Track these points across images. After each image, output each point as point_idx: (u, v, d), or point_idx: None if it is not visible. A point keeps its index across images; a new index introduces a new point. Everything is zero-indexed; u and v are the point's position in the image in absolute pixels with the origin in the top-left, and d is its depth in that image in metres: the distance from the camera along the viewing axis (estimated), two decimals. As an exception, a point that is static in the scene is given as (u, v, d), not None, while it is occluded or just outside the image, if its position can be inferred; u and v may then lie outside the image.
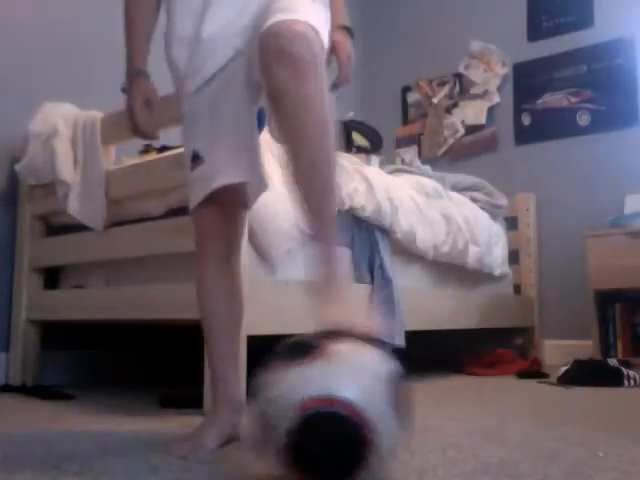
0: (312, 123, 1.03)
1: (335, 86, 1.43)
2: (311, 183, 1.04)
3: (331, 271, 1.02)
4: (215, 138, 1.24)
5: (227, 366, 1.31)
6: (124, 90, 1.34)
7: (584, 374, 2.28)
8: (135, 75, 1.33)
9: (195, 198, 1.26)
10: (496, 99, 3.78)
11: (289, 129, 1.06)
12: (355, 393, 0.82)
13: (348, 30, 1.42)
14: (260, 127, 1.34)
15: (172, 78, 1.33)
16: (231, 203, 1.30)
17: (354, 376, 0.85)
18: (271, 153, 1.92)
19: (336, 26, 1.41)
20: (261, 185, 1.33)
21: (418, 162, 3.36)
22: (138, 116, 1.31)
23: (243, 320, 1.67)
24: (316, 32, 1.09)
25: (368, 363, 0.88)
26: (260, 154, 1.32)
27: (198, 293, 1.31)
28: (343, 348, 0.87)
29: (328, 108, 1.06)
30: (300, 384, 0.83)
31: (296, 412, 0.81)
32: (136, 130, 1.34)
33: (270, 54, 1.06)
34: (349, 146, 2.79)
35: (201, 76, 1.25)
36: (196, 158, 1.25)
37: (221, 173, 1.22)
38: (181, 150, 1.95)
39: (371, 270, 2.22)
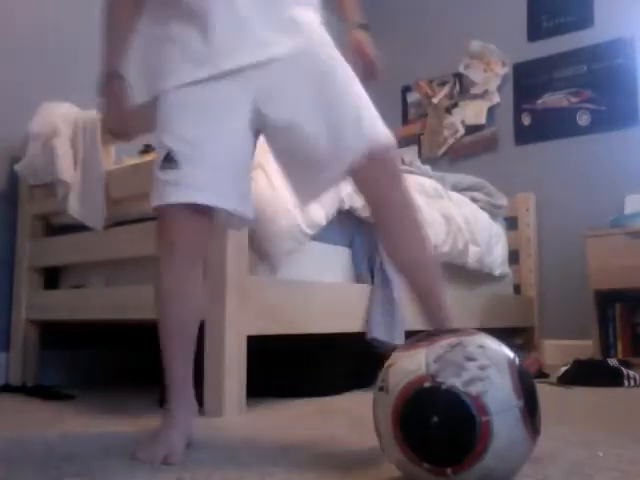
0: (417, 225, 1.27)
1: (366, 81, 1.43)
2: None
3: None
4: (205, 151, 1.18)
5: (187, 369, 1.25)
6: (101, 92, 1.32)
7: (584, 374, 2.28)
8: (112, 76, 1.31)
9: (164, 199, 1.19)
10: (496, 99, 3.79)
11: (397, 232, 1.26)
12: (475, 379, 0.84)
13: (365, 27, 1.42)
14: None
15: (145, 62, 1.29)
16: (206, 212, 1.23)
17: (475, 360, 0.86)
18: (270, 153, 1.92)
19: (354, 25, 1.40)
20: (245, 219, 1.28)
21: (418, 162, 3.36)
22: (111, 116, 1.31)
23: (241, 320, 1.67)
24: None
25: (489, 349, 0.89)
26: (249, 184, 1.27)
27: (161, 293, 1.23)
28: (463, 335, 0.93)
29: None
30: (422, 361, 0.87)
31: (415, 383, 0.85)
32: (110, 131, 1.34)
33: (386, 177, 1.24)
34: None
35: (204, 70, 1.20)
36: (169, 159, 1.18)
37: (206, 192, 1.17)
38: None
39: (371, 270, 2.22)
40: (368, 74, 1.39)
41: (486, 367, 0.84)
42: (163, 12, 1.27)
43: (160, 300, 1.23)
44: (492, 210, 3.19)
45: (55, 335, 2.36)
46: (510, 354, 0.90)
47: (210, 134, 1.20)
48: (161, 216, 1.21)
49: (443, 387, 0.83)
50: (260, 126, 1.26)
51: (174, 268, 1.21)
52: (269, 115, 1.23)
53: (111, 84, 1.31)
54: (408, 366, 0.88)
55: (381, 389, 0.90)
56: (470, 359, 0.85)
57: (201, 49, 1.21)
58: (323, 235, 2.02)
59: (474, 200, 3.10)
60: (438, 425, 0.82)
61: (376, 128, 1.24)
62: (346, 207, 2.11)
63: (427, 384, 0.84)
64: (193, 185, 1.17)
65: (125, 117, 1.32)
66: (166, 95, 1.23)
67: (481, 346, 0.88)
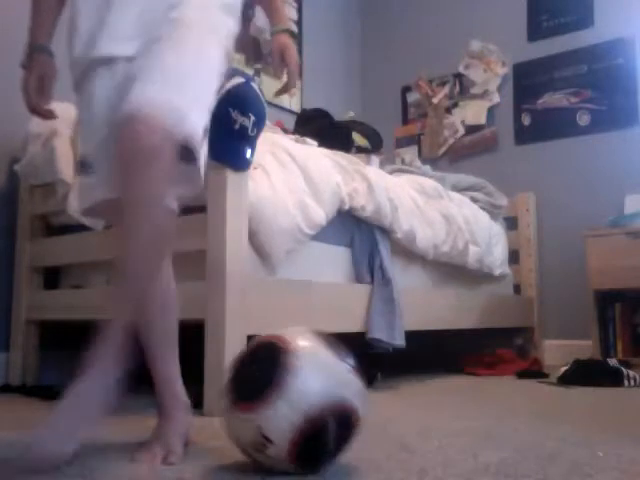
0: (144, 233, 1.05)
1: (283, 90, 1.40)
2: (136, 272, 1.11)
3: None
4: (101, 145, 1.16)
5: (171, 368, 1.26)
6: (24, 67, 1.29)
7: (584, 374, 2.28)
8: (35, 50, 1.30)
9: (83, 204, 1.21)
10: (496, 99, 3.79)
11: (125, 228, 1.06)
12: (294, 337, 1.08)
13: (292, 34, 1.40)
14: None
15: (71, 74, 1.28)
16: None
17: (298, 332, 1.12)
18: (270, 153, 1.92)
19: (280, 29, 1.38)
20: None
21: (418, 162, 3.36)
22: (30, 92, 1.28)
23: (241, 320, 1.67)
24: (179, 116, 1.04)
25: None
26: None
27: None
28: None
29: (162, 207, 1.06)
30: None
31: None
32: (30, 108, 1.29)
33: (121, 164, 1.03)
34: (349, 146, 2.79)
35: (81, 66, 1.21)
36: (83, 164, 1.19)
37: (103, 186, 1.16)
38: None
39: (371, 270, 2.22)
40: (291, 82, 1.36)
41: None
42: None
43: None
44: (492, 210, 3.19)
45: (55, 335, 2.36)
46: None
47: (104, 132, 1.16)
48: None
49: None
50: None
51: None
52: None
53: (34, 58, 1.30)
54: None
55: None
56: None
57: (79, 39, 1.23)
58: (323, 235, 2.02)
59: (474, 200, 3.10)
60: (255, 371, 1.01)
61: (141, 88, 1.05)
62: (346, 207, 2.11)
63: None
64: (97, 183, 1.17)
65: (48, 92, 1.30)
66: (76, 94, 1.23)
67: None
